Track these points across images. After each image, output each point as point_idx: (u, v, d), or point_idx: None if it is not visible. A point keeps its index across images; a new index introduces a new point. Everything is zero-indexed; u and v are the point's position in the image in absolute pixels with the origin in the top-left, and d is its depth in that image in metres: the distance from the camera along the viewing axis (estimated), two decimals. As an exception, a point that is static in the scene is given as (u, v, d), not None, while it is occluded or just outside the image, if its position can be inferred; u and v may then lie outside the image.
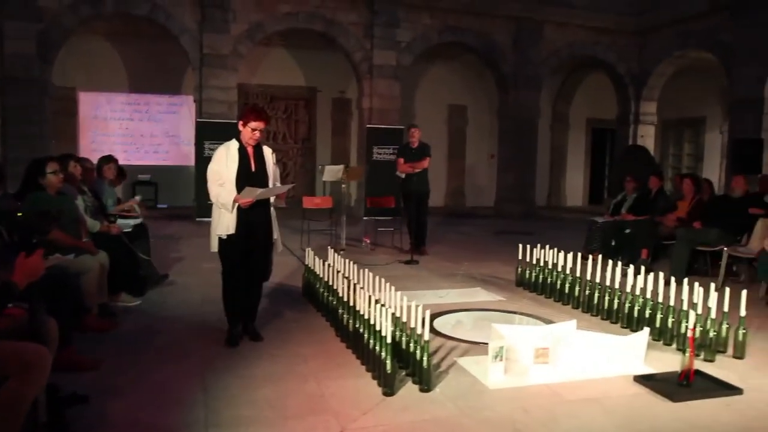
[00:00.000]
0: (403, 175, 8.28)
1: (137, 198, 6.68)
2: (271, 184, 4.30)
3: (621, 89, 15.28)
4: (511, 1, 13.49)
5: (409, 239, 8.34)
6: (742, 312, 4.18)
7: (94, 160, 6.80)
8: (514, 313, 5.33)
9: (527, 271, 6.21)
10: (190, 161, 12.86)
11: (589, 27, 14.32)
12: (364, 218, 10.16)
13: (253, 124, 4.16)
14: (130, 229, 5.59)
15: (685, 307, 4.31)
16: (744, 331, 4.24)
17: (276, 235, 4.43)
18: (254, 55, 13.88)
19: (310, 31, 12.61)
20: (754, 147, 11.31)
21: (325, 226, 9.02)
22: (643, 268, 4.97)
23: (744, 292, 4.21)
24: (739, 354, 4.24)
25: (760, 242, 6.34)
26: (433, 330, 4.66)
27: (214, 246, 4.27)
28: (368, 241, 8.71)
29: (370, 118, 12.86)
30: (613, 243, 8.00)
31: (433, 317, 5.02)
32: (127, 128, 14.70)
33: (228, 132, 11.88)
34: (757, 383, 3.75)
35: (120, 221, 5.67)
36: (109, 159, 6.35)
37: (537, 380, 3.66)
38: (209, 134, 11.69)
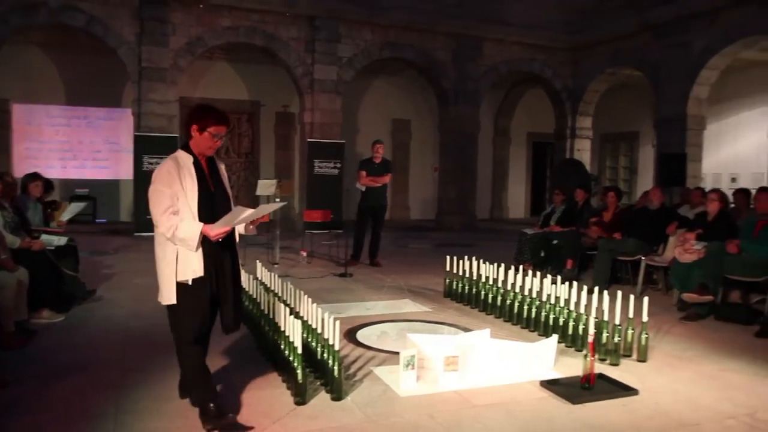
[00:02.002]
0: (363, 188, 8.44)
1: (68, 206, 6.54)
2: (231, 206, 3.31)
3: (558, 104, 15.79)
4: (451, 18, 13.82)
5: (352, 251, 8.47)
6: (644, 318, 4.43)
7: (30, 171, 6.69)
8: (438, 323, 5.48)
9: (454, 283, 6.39)
10: (130, 174, 12.68)
11: (525, 44, 14.78)
12: (306, 231, 10.25)
13: (213, 129, 3.18)
14: (53, 248, 5.51)
15: (602, 316, 4.51)
16: (646, 335, 4.49)
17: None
18: (196, 68, 13.84)
19: (252, 45, 12.66)
20: (679, 161, 11.87)
21: (264, 240, 9.05)
22: (559, 278, 5.21)
23: (646, 300, 4.47)
24: (642, 357, 4.48)
25: (674, 252, 6.68)
26: (354, 341, 4.79)
27: (171, 296, 3.15)
28: (305, 254, 8.78)
29: (311, 133, 12.95)
30: (542, 254, 8.29)
31: (357, 328, 5.15)
32: (65, 135, 14.32)
33: (168, 146, 11.93)
34: (653, 384, 3.98)
35: (44, 237, 5.59)
36: (35, 177, 6.24)
37: (447, 387, 3.80)
38: (148, 148, 11.59)
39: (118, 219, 14.36)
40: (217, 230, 3.08)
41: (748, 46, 11.35)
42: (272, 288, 4.98)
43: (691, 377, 4.16)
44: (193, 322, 3.21)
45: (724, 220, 6.41)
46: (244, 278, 5.28)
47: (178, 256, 3.12)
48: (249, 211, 3.15)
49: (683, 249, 6.28)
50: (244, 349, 4.55)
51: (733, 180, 14.03)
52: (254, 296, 4.87)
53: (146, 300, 6.05)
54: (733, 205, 7.64)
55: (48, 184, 6.87)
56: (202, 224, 3.09)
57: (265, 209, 3.29)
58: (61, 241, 5.78)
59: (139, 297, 6.21)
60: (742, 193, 7.66)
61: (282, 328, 3.84)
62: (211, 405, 3.17)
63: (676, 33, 12.09)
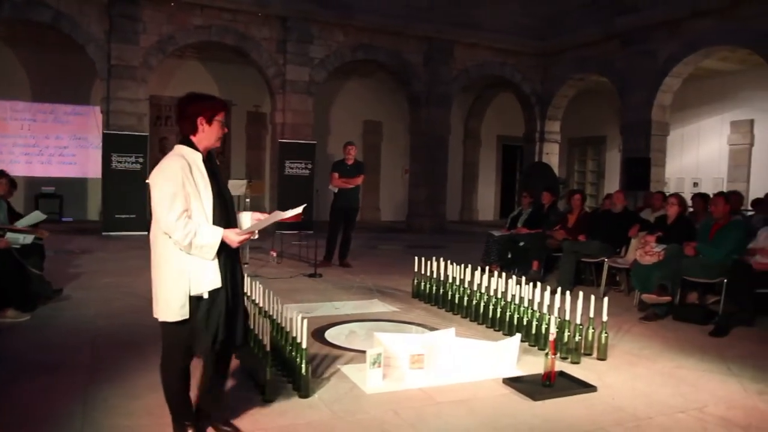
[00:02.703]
0: (336, 190, 8.53)
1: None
2: None
3: (527, 108, 16.05)
4: (423, 21, 13.97)
5: (324, 252, 8.54)
6: (604, 318, 4.59)
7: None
8: (406, 323, 5.57)
9: (422, 283, 6.49)
10: (98, 173, 12.52)
11: (496, 48, 15.00)
12: (277, 232, 10.27)
13: (221, 117, 2.93)
14: (18, 246, 5.46)
15: (565, 316, 4.64)
16: (606, 335, 4.64)
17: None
18: (167, 66, 13.74)
19: (224, 44, 12.63)
20: (643, 165, 12.19)
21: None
22: (524, 279, 5.35)
23: (606, 300, 4.63)
24: (601, 356, 4.63)
25: (635, 254, 6.88)
26: (322, 340, 4.86)
27: (180, 311, 2.78)
28: (274, 254, 8.80)
29: (283, 133, 12.97)
30: (509, 255, 8.45)
31: (325, 328, 5.21)
32: (30, 130, 14.00)
33: (138, 144, 11.82)
34: (611, 381, 4.13)
35: (9, 236, 5.54)
36: (0, 174, 6.17)
37: (412, 385, 3.89)
38: (117, 146, 11.50)
39: (86, 218, 14.20)
40: (243, 236, 2.84)
41: (708, 56, 11.73)
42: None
43: (647, 374, 4.32)
44: (205, 340, 2.84)
45: (683, 223, 6.63)
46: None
47: (190, 266, 2.78)
48: (285, 214, 2.96)
49: (644, 251, 6.48)
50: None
51: (696, 185, 14.44)
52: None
53: (114, 299, 6.08)
54: (691, 209, 7.89)
55: (11, 183, 6.78)
56: (222, 229, 2.79)
57: (294, 211, 3.08)
58: (27, 239, 5.73)
59: (106, 297, 6.20)
60: (700, 198, 7.90)
61: (251, 327, 3.89)
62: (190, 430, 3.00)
63: (641, 42, 12.42)
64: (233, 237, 2.82)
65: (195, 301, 2.80)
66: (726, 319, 5.65)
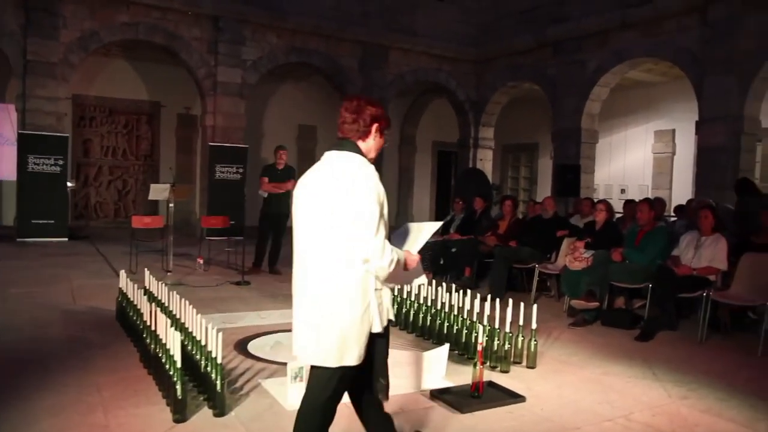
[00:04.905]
0: (266, 195, 8.31)
1: None
2: None
3: (462, 115, 16.15)
4: (357, 25, 13.84)
5: (254, 258, 8.30)
6: (534, 325, 4.55)
7: None
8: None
9: (353, 290, 6.32)
10: (13, 175, 11.76)
11: (431, 54, 15.02)
12: (207, 238, 9.92)
13: (388, 133, 2.71)
14: None
15: (495, 324, 4.56)
16: (535, 342, 4.60)
17: None
18: (91, 64, 13.11)
19: (152, 43, 12.14)
20: (574, 172, 12.42)
21: (158, 247, 8.66)
22: (454, 286, 5.27)
23: (535, 307, 4.59)
24: (531, 364, 4.59)
25: (565, 259, 6.94)
26: (244, 352, 4.63)
27: (361, 352, 2.43)
28: (201, 261, 8.46)
29: (213, 136, 12.57)
30: (441, 261, 8.39)
31: (249, 339, 4.98)
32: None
33: (58, 146, 11.23)
34: (540, 390, 4.08)
35: None
36: None
37: (337, 398, 3.71)
38: (34, 147, 10.87)
39: (0, 223, 13.35)
40: (416, 255, 2.57)
41: (633, 67, 12.09)
42: (158, 297, 4.75)
43: (575, 382, 4.30)
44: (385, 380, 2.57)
45: (610, 229, 6.73)
46: (130, 287, 5.01)
47: (372, 298, 2.41)
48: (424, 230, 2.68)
49: (573, 257, 6.53)
50: (127, 363, 4.28)
51: (623, 191, 14.85)
52: (138, 306, 4.60)
53: (20, 312, 5.65)
54: (620, 215, 8.05)
55: None
56: (404, 250, 2.50)
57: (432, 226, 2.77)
58: None
59: (12, 309, 5.77)
60: (629, 204, 8.08)
61: (163, 340, 3.64)
62: None
63: (571, 51, 12.69)
64: (414, 258, 2.54)
65: (374, 337, 2.46)
66: (651, 324, 5.74)
